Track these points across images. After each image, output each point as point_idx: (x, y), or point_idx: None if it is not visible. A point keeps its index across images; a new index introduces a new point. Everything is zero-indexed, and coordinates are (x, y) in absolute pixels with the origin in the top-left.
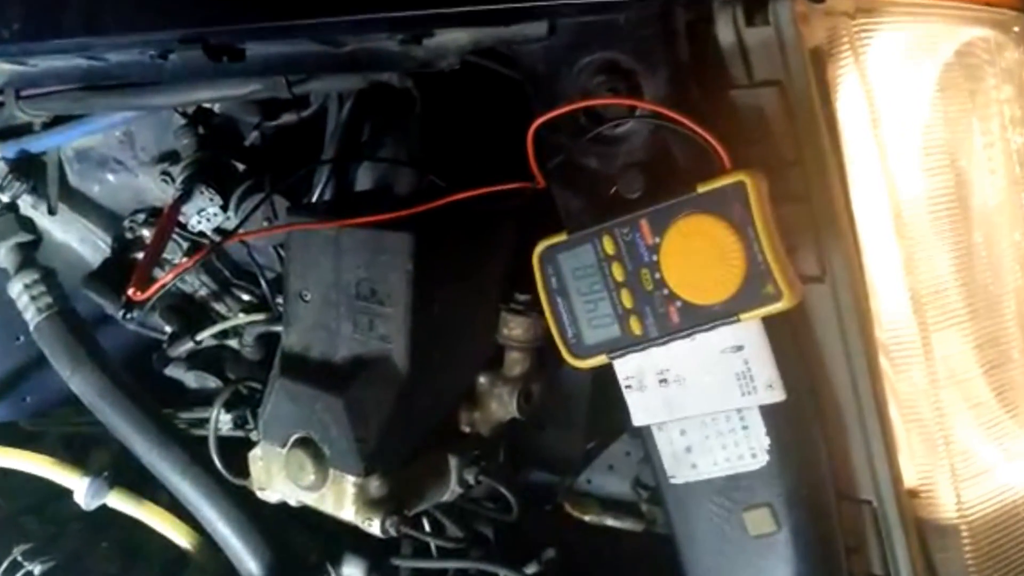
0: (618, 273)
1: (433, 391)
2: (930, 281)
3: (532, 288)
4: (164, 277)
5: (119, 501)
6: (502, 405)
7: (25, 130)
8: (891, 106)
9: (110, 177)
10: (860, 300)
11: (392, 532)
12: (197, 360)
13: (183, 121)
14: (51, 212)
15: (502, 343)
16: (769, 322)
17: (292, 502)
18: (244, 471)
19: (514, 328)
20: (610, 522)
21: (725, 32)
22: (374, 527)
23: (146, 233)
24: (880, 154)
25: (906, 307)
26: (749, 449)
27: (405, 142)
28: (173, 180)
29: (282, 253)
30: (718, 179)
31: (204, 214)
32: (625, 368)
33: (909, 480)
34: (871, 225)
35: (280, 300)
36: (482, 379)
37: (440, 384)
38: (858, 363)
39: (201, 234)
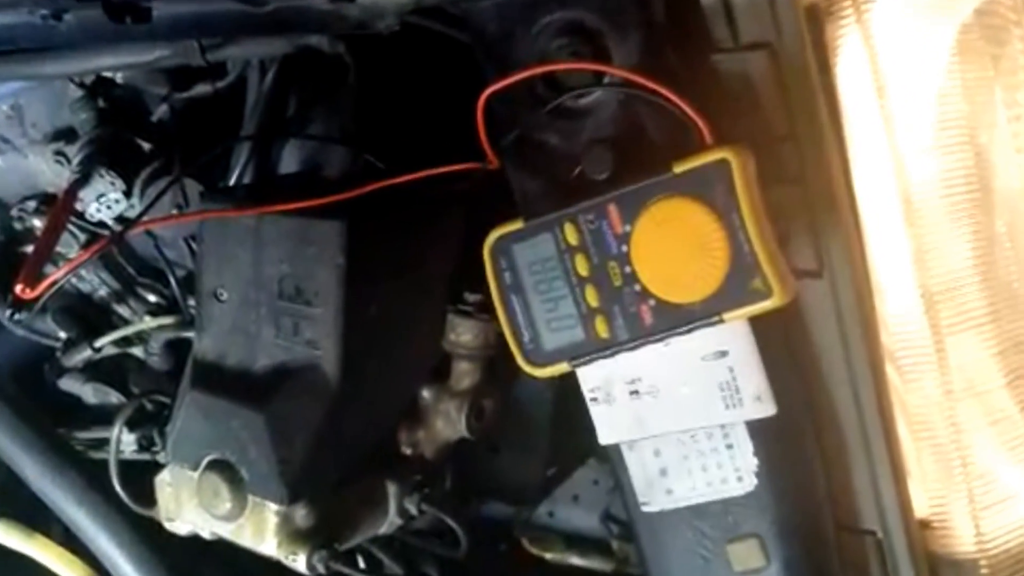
0: (582, 267)
1: (368, 406)
2: (944, 277)
3: (483, 287)
4: (57, 273)
5: (5, 534)
6: (449, 423)
7: None
8: (900, 73)
9: None
10: (863, 298)
11: (320, 569)
12: (96, 371)
13: (80, 93)
14: None
15: (449, 351)
16: (757, 324)
17: (205, 534)
18: (150, 499)
19: (463, 333)
20: (575, 561)
21: None
22: (299, 563)
23: (37, 223)
24: (887, 129)
25: (916, 307)
26: (734, 471)
27: (337, 117)
28: (68, 161)
29: (194, 246)
30: (698, 157)
31: (104, 200)
32: (590, 377)
33: (920, 508)
34: (876, 211)
35: (192, 301)
36: (425, 393)
37: (377, 398)
38: (861, 372)
39: (101, 224)
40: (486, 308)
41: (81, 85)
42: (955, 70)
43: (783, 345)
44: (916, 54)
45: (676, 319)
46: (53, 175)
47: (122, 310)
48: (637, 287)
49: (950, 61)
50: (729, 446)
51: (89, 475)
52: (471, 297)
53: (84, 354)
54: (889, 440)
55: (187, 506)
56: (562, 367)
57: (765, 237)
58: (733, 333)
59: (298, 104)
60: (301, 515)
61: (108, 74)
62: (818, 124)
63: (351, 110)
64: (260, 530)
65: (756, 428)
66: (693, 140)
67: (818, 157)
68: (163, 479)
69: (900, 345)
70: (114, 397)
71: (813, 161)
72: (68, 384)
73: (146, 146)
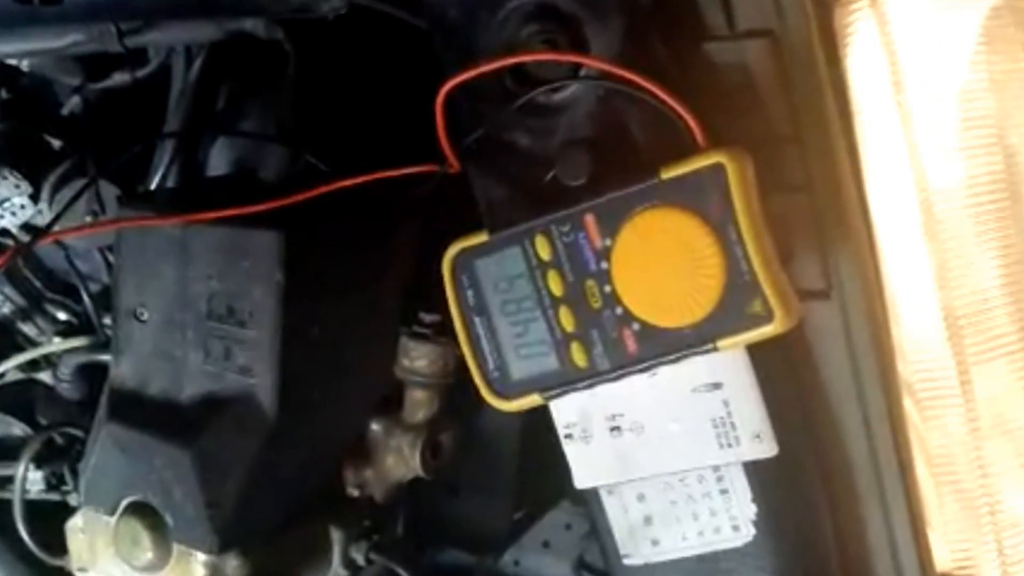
0: (556, 286)
1: (310, 441)
2: (970, 297)
3: (442, 305)
4: None
5: None
6: (401, 460)
7: None
8: (919, 65)
9: None
10: (877, 323)
11: None
12: None
13: None
14: None
15: (402, 378)
16: (757, 352)
17: None
18: (60, 546)
19: (418, 358)
20: None
21: None
22: None
23: None
24: (904, 129)
25: (938, 332)
26: (729, 520)
27: (274, 112)
28: None
29: (111, 258)
30: (689, 161)
31: (8, 206)
32: (565, 411)
33: (942, 562)
34: (892, 223)
35: (108, 320)
36: (375, 426)
37: (319, 432)
38: (874, 406)
39: (4, 232)
40: (445, 330)
41: None
42: (982, 62)
43: (786, 376)
44: (938, 44)
45: (663, 346)
46: None
47: (28, 330)
48: (619, 309)
49: (976, 51)
50: (724, 491)
51: None
52: (427, 317)
53: None
54: (907, 484)
55: (103, 555)
56: (533, 400)
57: (766, 253)
58: (729, 362)
59: (230, 97)
60: (233, 566)
61: (12, 61)
62: (826, 124)
63: (290, 104)
64: None
65: (755, 471)
66: (683, 142)
67: (826, 161)
68: (75, 524)
69: (920, 376)
70: (18, 429)
71: (820, 166)
72: None
73: (56, 144)
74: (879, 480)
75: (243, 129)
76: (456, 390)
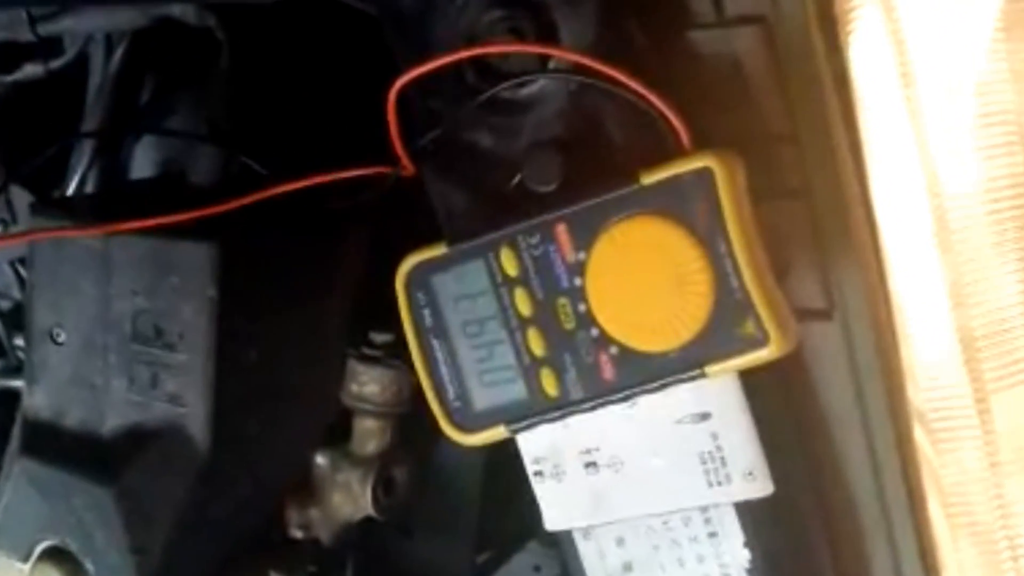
0: (523, 304)
1: (247, 478)
2: (989, 316)
3: (395, 324)
4: None
5: None
6: (350, 498)
7: None
8: (931, 54)
9: None
10: (885, 345)
11: None
12: None
13: None
14: None
15: (350, 406)
16: (750, 379)
17: None
18: None
19: (368, 383)
20: None
21: None
22: None
23: None
24: (914, 126)
25: (954, 355)
26: (720, 567)
27: (205, 108)
28: None
29: (23, 272)
30: (672, 164)
31: None
32: (534, 446)
33: None
34: (901, 232)
35: (19, 342)
36: (320, 460)
37: (258, 467)
38: (882, 438)
39: None
40: (398, 351)
41: None
42: (1000, 50)
43: (782, 406)
44: (952, 31)
45: (645, 372)
46: None
47: None
48: (594, 331)
49: (995, 39)
50: (713, 534)
51: None
52: (378, 338)
53: None
54: (917, 524)
55: None
56: (498, 432)
57: (759, 267)
58: (718, 391)
59: (155, 91)
60: None
61: None
62: (826, 121)
63: (224, 100)
64: None
65: (748, 512)
66: (666, 143)
67: (826, 163)
68: None
69: (932, 404)
70: None
71: (820, 169)
72: None
73: None
74: (887, 519)
75: (171, 127)
76: (411, 419)
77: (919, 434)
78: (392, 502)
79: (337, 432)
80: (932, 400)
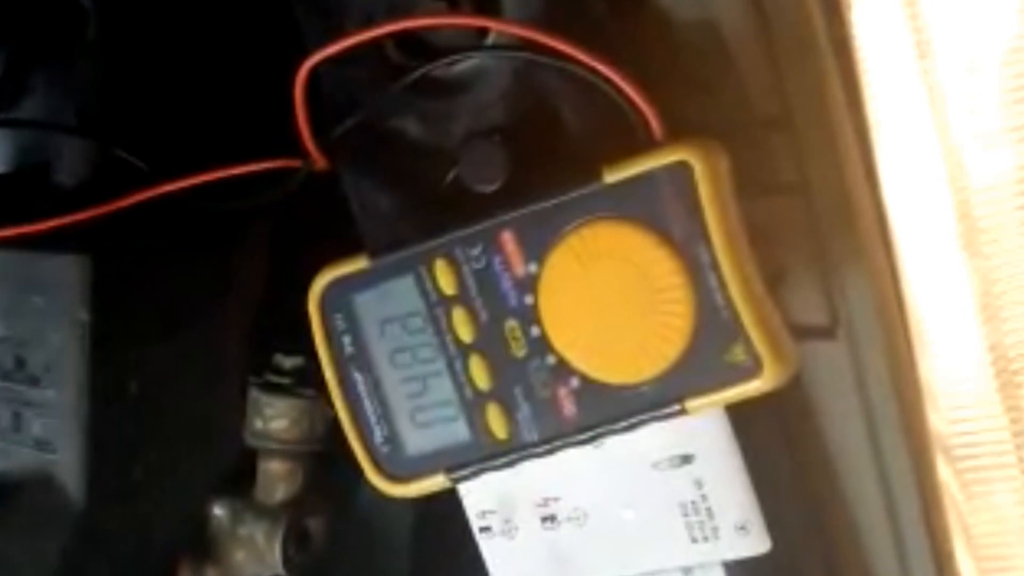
0: (464, 328)
1: (132, 534)
2: None
3: (305, 346)
4: None
5: None
6: (255, 556)
7: None
8: (950, 22)
9: None
10: (900, 367)
11: None
12: None
13: None
14: None
15: (254, 445)
16: (740, 414)
17: None
18: None
19: (273, 418)
20: None
21: None
22: None
23: None
24: (932, 107)
25: (985, 380)
26: None
27: (72, 91)
28: None
29: None
30: (642, 159)
31: None
32: (480, 497)
33: None
34: (918, 233)
35: None
36: (218, 510)
37: (144, 521)
38: (900, 479)
39: None
40: (309, 378)
41: None
42: None
43: (779, 444)
44: None
45: (612, 408)
46: None
47: None
48: (551, 359)
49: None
50: None
51: None
52: (285, 362)
53: None
54: None
55: None
56: (436, 482)
57: (749, 281)
58: (701, 429)
59: (10, 71)
60: None
61: None
62: (826, 103)
63: (94, 81)
64: None
65: (740, 573)
66: (633, 132)
67: (827, 153)
68: None
69: (960, 438)
70: None
71: (820, 159)
72: None
73: None
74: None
75: (30, 115)
76: (327, 459)
77: (944, 474)
78: (305, 559)
79: (238, 477)
80: (959, 434)
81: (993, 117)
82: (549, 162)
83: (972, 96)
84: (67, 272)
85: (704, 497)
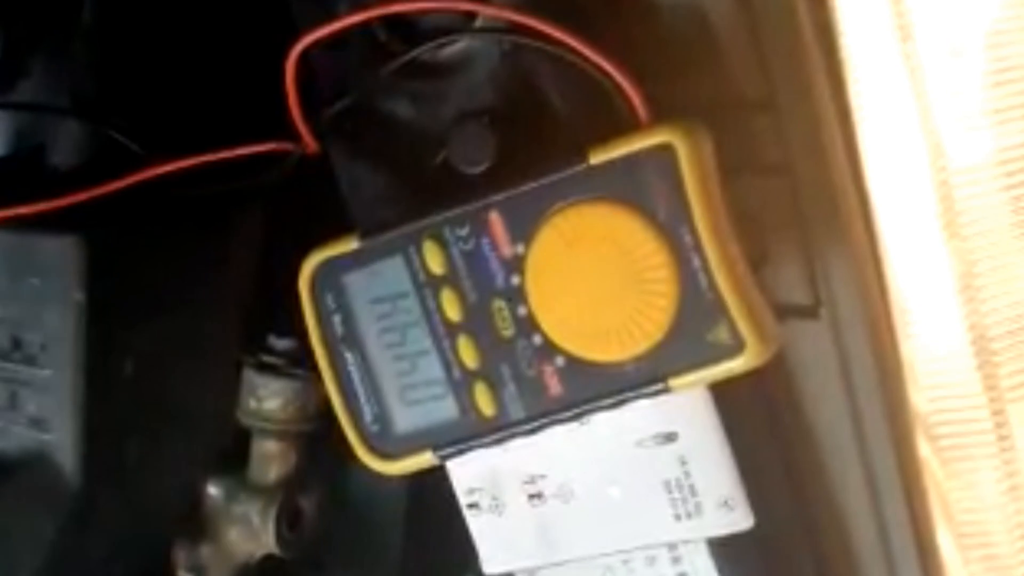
0: (452, 308)
1: (127, 513)
2: (1007, 312)
3: (298, 327)
4: None
5: None
6: (249, 534)
7: None
8: (931, 5)
9: None
10: (882, 348)
11: None
12: None
13: None
14: None
15: (247, 425)
16: (723, 392)
17: None
18: None
19: (267, 398)
20: None
21: None
22: None
23: None
24: (915, 88)
25: (965, 360)
26: None
27: (67, 74)
28: None
29: None
30: (627, 140)
31: None
32: (468, 474)
33: None
34: (900, 214)
35: None
36: (213, 489)
37: (139, 500)
38: (880, 458)
39: None
40: (302, 359)
41: None
42: None
43: (762, 422)
44: None
45: (597, 386)
46: None
47: None
48: (537, 339)
49: None
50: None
51: None
52: (278, 343)
53: None
54: (924, 558)
55: None
56: (424, 459)
57: (732, 261)
58: (685, 407)
59: (5, 54)
60: None
61: None
62: (809, 84)
63: (89, 64)
64: None
65: (723, 549)
66: (618, 114)
67: (810, 134)
68: None
69: (940, 416)
70: None
71: (803, 140)
72: None
73: None
74: (887, 552)
75: (25, 97)
76: (319, 438)
77: (925, 451)
78: (298, 537)
79: (232, 456)
80: (940, 412)
81: (975, 100)
82: (536, 144)
83: (954, 79)
84: (63, 253)
85: (688, 474)
